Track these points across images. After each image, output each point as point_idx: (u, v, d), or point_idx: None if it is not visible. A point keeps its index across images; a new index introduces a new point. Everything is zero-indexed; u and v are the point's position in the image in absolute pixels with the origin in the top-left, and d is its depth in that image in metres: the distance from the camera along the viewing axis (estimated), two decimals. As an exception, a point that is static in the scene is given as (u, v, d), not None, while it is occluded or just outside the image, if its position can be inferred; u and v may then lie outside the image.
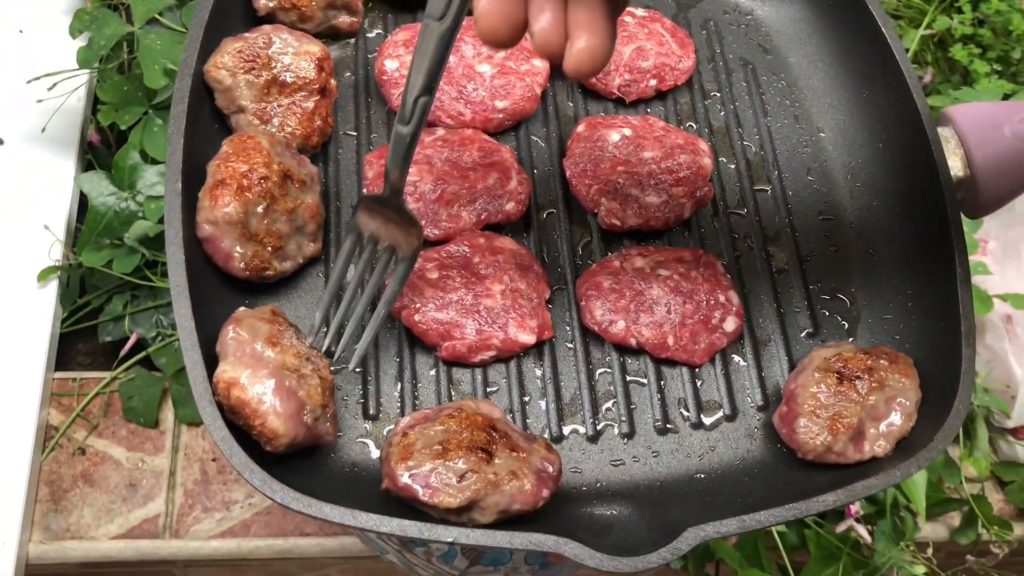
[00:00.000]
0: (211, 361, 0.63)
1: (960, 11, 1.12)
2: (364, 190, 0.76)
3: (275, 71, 0.74)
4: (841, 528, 0.90)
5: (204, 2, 0.75)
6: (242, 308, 0.66)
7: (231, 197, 0.68)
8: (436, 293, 0.71)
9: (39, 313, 0.96)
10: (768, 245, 0.79)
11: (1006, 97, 1.10)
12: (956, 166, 0.76)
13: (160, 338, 0.98)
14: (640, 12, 0.86)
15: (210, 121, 0.76)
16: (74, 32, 1.09)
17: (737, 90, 0.87)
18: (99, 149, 1.11)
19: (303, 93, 0.75)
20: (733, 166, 0.83)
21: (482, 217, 0.76)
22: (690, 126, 0.84)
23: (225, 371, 0.61)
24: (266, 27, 0.76)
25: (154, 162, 1.05)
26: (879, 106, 0.82)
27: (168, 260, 0.65)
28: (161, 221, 0.93)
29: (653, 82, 0.83)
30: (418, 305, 0.71)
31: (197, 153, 0.71)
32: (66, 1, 1.18)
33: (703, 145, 0.80)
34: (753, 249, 0.79)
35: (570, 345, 0.74)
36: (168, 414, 0.94)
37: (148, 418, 0.99)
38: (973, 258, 1.01)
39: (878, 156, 0.82)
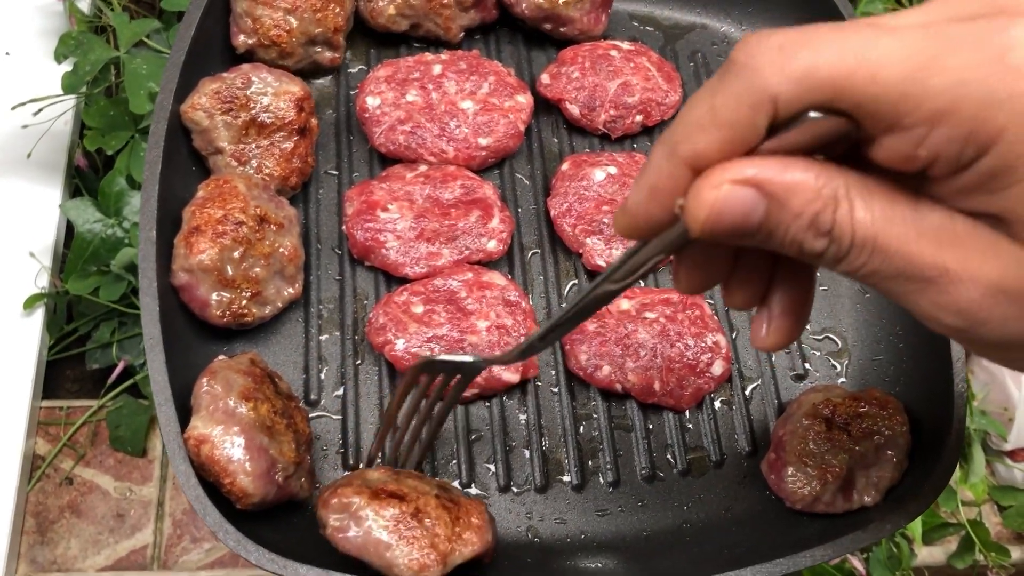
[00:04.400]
0: (186, 414, 0.62)
1: None
2: (344, 227, 0.75)
3: (253, 112, 0.73)
4: (835, 560, 0.89)
5: (180, 42, 0.74)
6: (219, 358, 0.65)
7: (207, 244, 0.67)
8: (420, 328, 0.70)
9: (25, 341, 0.95)
10: (757, 284, 0.78)
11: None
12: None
13: (147, 367, 0.97)
14: (626, 45, 0.85)
15: (187, 162, 0.75)
16: (59, 57, 1.08)
17: (725, 123, 0.85)
18: (86, 173, 1.10)
19: (282, 134, 0.74)
20: (721, 202, 0.81)
21: (463, 255, 0.74)
22: (677, 161, 0.83)
23: (196, 427, 0.60)
24: (245, 66, 0.74)
25: (140, 187, 1.04)
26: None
27: (142, 311, 0.64)
28: None
29: (639, 118, 0.82)
30: (401, 340, 0.69)
31: (173, 196, 0.70)
32: (53, 22, 1.17)
33: (690, 182, 0.79)
34: (741, 288, 0.78)
35: (555, 390, 0.72)
36: (156, 442, 0.93)
37: (136, 447, 0.97)
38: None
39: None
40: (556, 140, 0.83)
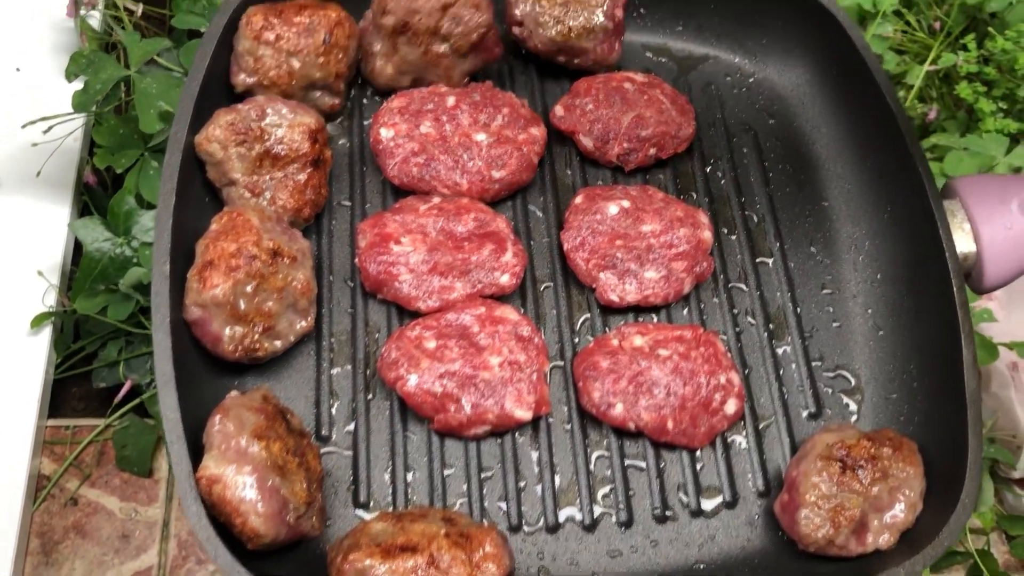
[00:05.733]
0: (197, 449, 0.62)
1: (965, 48, 1.10)
2: (356, 260, 0.75)
3: (268, 144, 0.73)
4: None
5: (195, 73, 0.74)
6: (232, 394, 0.65)
7: (220, 279, 0.66)
8: (432, 364, 0.70)
9: (32, 360, 0.94)
10: (770, 320, 0.78)
11: (1012, 137, 1.08)
12: (962, 241, 0.75)
13: (154, 384, 0.97)
14: (640, 77, 0.84)
15: (201, 193, 0.75)
16: (70, 76, 1.08)
17: (738, 156, 0.85)
18: (95, 190, 1.09)
19: (296, 165, 0.74)
20: (734, 237, 0.81)
21: (476, 289, 0.74)
22: (691, 195, 0.83)
23: (207, 467, 0.60)
24: (260, 98, 0.74)
25: (150, 206, 1.04)
26: (884, 176, 0.81)
27: (154, 347, 0.64)
28: None
29: (653, 151, 0.82)
30: (413, 376, 0.69)
31: (187, 228, 0.70)
32: (64, 38, 1.17)
33: (703, 217, 0.79)
34: (754, 325, 0.77)
35: (567, 426, 0.72)
36: (162, 463, 0.93)
37: (142, 467, 0.97)
38: (979, 304, 1.00)
39: (883, 227, 0.80)
40: (569, 172, 0.83)
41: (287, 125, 0.73)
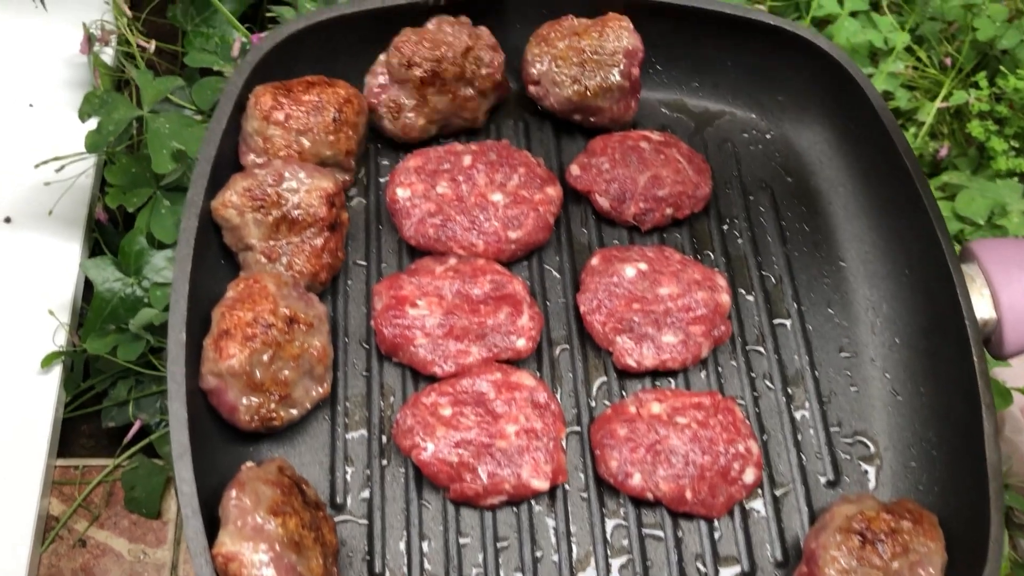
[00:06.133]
0: (212, 521, 0.61)
1: (977, 86, 1.10)
2: (372, 322, 0.74)
3: (285, 209, 0.72)
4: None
5: (211, 135, 0.74)
6: (247, 466, 0.64)
7: (236, 348, 0.66)
8: (448, 432, 0.69)
9: (41, 399, 0.94)
10: (788, 385, 0.77)
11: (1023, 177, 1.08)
12: (982, 307, 0.74)
13: (164, 424, 0.97)
14: (656, 136, 0.84)
15: (217, 256, 0.74)
16: (83, 116, 1.09)
17: (755, 215, 0.85)
18: (106, 227, 1.09)
19: (313, 230, 0.73)
20: (752, 298, 0.81)
21: (492, 353, 0.74)
22: (707, 255, 0.82)
23: (224, 543, 0.59)
24: (277, 161, 0.74)
25: (161, 246, 1.04)
26: (902, 238, 0.80)
27: (170, 418, 0.63)
28: (167, 309, 0.92)
29: (670, 211, 0.81)
30: (429, 445, 0.69)
31: (203, 292, 0.69)
32: (77, 73, 1.18)
33: (721, 280, 0.78)
34: (772, 390, 0.77)
35: (584, 495, 0.71)
36: (171, 503, 0.93)
37: (151, 509, 0.97)
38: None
39: (901, 290, 0.80)
40: (585, 231, 0.82)
41: (304, 190, 0.73)
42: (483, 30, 0.82)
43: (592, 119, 0.84)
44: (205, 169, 0.72)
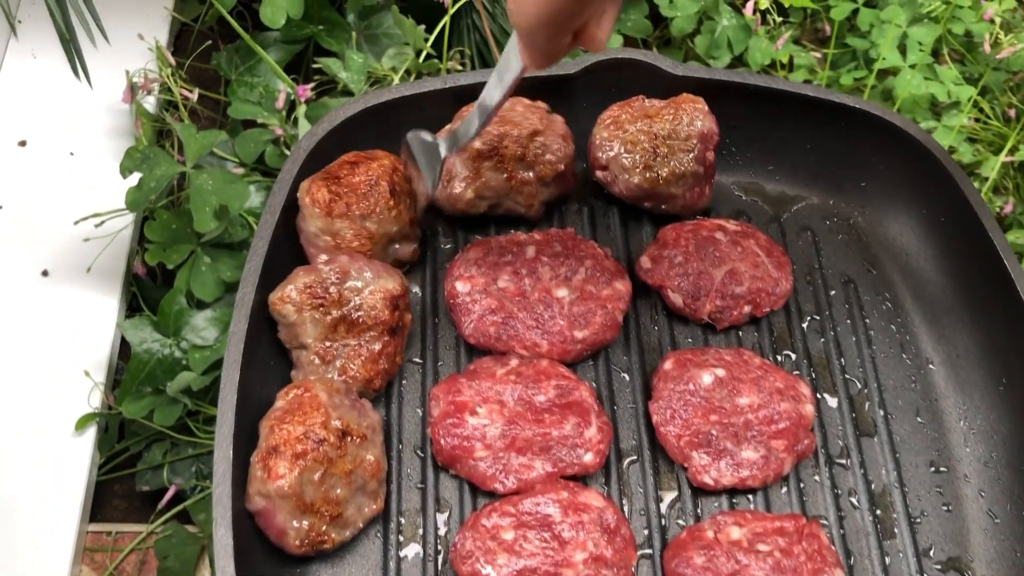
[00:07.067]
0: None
1: None
2: (428, 430, 0.69)
3: (345, 310, 0.68)
4: None
5: (264, 230, 0.69)
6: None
7: (286, 468, 0.61)
8: (510, 559, 0.64)
9: (75, 462, 0.91)
10: (875, 503, 0.71)
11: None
12: (1091, 427, 0.68)
13: (199, 490, 0.93)
14: (732, 225, 0.79)
15: (268, 354, 0.70)
16: (124, 172, 1.05)
17: (837, 312, 0.79)
18: (144, 282, 1.07)
19: (372, 333, 0.69)
20: (835, 404, 0.75)
21: (557, 468, 0.68)
22: (787, 355, 0.77)
23: None
24: (344, 257, 0.69)
25: (200, 305, 1.01)
26: (997, 343, 0.74)
27: (214, 544, 0.59)
28: (205, 373, 0.88)
29: (748, 308, 0.76)
30: (490, 572, 0.63)
31: (251, 396, 0.65)
32: (119, 121, 1.15)
33: (804, 389, 0.72)
34: (858, 509, 0.71)
35: (657, 626, 0.66)
36: (205, 573, 0.89)
37: (184, 579, 0.92)
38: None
39: (998, 400, 0.74)
40: (656, 328, 0.77)
41: (368, 291, 0.68)
42: (557, 118, 0.78)
43: (663, 206, 0.79)
44: (257, 265, 0.68)
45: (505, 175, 0.77)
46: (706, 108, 0.78)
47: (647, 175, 0.76)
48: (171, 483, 0.95)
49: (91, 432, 0.95)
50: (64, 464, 0.90)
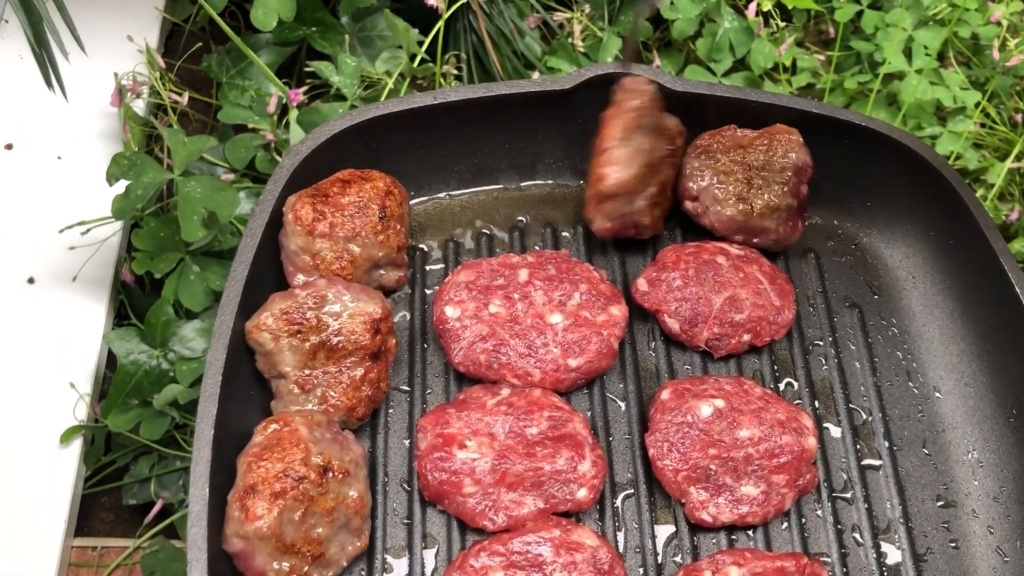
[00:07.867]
0: None
1: None
2: (415, 464, 0.67)
3: (324, 335, 0.65)
4: None
5: (244, 252, 0.67)
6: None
7: (264, 508, 0.59)
8: None
9: (61, 475, 0.90)
10: (879, 538, 0.69)
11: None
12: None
13: (186, 504, 0.92)
14: (735, 250, 0.76)
15: (247, 385, 0.67)
16: (111, 179, 1.03)
17: (842, 338, 0.76)
18: (132, 290, 1.04)
19: (353, 359, 0.66)
20: (838, 434, 0.72)
21: (549, 504, 0.66)
22: (790, 384, 0.74)
23: None
24: (321, 282, 0.67)
25: (188, 315, 0.99)
26: (1007, 373, 0.72)
27: (189, 588, 0.56)
28: (192, 385, 0.86)
29: (747, 337, 0.73)
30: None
31: (229, 430, 0.62)
32: (108, 124, 1.12)
33: (807, 421, 0.70)
34: (862, 545, 0.68)
35: (652, 671, 0.63)
36: None
37: (171, 597, 0.91)
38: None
39: (1008, 432, 0.71)
40: (653, 354, 0.74)
41: (348, 315, 0.66)
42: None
43: (755, 240, 0.76)
44: (237, 291, 0.65)
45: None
46: (800, 140, 0.75)
47: (740, 207, 0.73)
48: (158, 497, 0.93)
49: (76, 444, 0.93)
50: (48, 477, 0.88)
